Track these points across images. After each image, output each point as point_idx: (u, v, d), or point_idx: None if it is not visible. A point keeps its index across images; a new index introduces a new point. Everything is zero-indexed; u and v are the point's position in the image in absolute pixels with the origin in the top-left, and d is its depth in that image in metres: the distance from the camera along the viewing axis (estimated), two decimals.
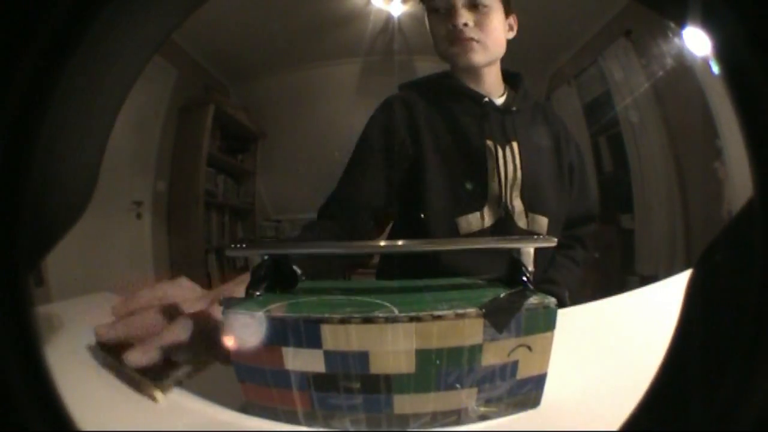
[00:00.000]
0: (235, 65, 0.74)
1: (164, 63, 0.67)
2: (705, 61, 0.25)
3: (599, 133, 0.74)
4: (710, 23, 0.23)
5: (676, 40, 0.58)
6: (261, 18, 0.70)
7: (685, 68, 0.59)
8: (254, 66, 0.73)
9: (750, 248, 0.22)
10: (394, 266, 0.62)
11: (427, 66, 0.72)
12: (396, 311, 0.31)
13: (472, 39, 0.61)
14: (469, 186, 0.62)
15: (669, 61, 0.63)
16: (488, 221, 0.61)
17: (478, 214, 0.61)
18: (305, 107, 0.73)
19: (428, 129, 0.62)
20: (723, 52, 0.23)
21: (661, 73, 0.66)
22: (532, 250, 0.39)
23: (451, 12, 0.61)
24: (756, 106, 0.22)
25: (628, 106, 0.71)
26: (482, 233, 0.61)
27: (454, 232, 0.60)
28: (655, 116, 0.71)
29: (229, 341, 0.33)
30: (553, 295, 0.57)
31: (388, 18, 0.68)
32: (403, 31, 0.69)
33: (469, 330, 0.31)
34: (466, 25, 0.60)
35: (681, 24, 0.26)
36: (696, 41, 0.25)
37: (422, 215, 0.60)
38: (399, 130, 0.62)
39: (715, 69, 0.23)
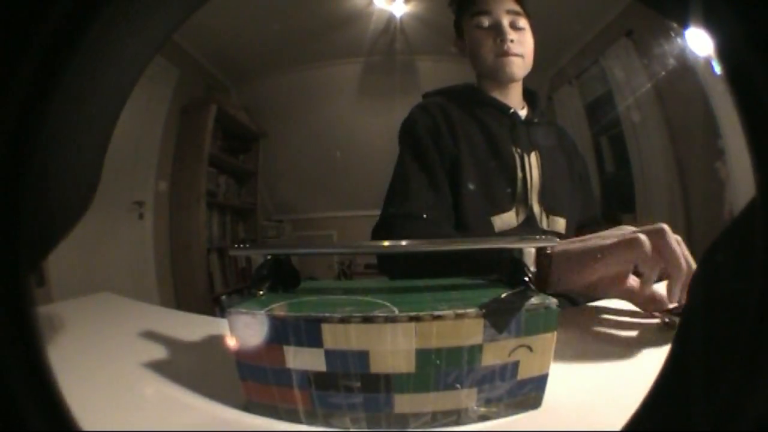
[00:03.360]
0: (236, 65, 0.74)
1: (166, 63, 0.67)
2: (706, 61, 0.25)
3: (601, 133, 0.74)
4: (712, 23, 0.23)
5: (678, 40, 0.58)
6: (263, 18, 0.71)
7: (686, 68, 0.59)
8: (256, 66, 0.73)
9: (752, 248, 0.22)
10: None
11: (428, 66, 0.72)
12: (396, 311, 0.31)
13: (516, 54, 0.67)
14: (500, 188, 0.66)
15: (670, 61, 0.63)
16: (516, 221, 0.66)
17: (507, 214, 0.65)
18: (307, 107, 0.74)
19: (464, 133, 0.67)
20: (725, 52, 0.23)
21: (662, 73, 0.66)
22: (533, 251, 0.39)
23: (498, 29, 0.66)
24: (758, 106, 0.22)
25: (630, 106, 0.72)
26: (511, 232, 0.65)
27: (490, 230, 0.64)
28: (657, 116, 0.71)
29: (231, 340, 0.33)
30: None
31: (390, 18, 0.69)
32: (405, 31, 0.69)
33: (469, 330, 0.31)
34: (512, 41, 0.66)
35: (682, 24, 0.25)
36: (697, 41, 0.24)
37: (463, 213, 0.64)
38: (443, 131, 0.66)
39: (717, 69, 0.23)
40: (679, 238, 0.45)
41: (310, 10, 0.71)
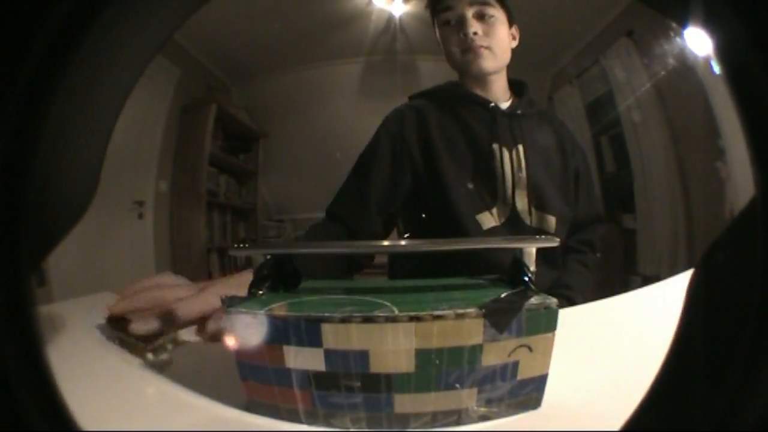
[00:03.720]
0: (237, 65, 0.74)
1: (166, 63, 0.67)
2: (707, 61, 0.25)
3: (601, 132, 0.74)
4: (712, 23, 0.23)
5: (678, 39, 0.58)
6: (263, 18, 0.71)
7: (686, 68, 0.59)
8: (256, 66, 0.73)
9: (752, 248, 0.22)
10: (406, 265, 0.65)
11: (429, 65, 0.72)
12: (396, 311, 0.31)
13: (482, 46, 0.65)
14: (481, 186, 0.65)
15: (671, 61, 0.63)
16: (500, 219, 0.64)
17: (491, 212, 0.64)
18: (307, 107, 0.74)
19: (440, 134, 0.66)
20: (725, 52, 0.23)
21: (662, 72, 0.66)
22: (534, 251, 0.39)
23: (461, 23, 0.65)
24: (758, 105, 0.22)
25: (630, 106, 0.71)
26: (496, 230, 0.64)
27: (478, 228, 0.63)
28: (657, 116, 0.71)
29: (231, 340, 0.33)
30: (568, 299, 0.58)
31: (390, 18, 0.69)
32: (404, 30, 0.69)
33: (469, 330, 0.31)
34: (476, 33, 0.64)
35: (683, 24, 0.26)
36: (698, 41, 0.24)
37: (447, 214, 0.64)
38: (408, 137, 0.65)
39: (717, 69, 0.23)
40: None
41: (310, 10, 0.71)
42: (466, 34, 0.64)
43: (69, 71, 0.23)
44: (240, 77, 0.73)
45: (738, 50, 0.22)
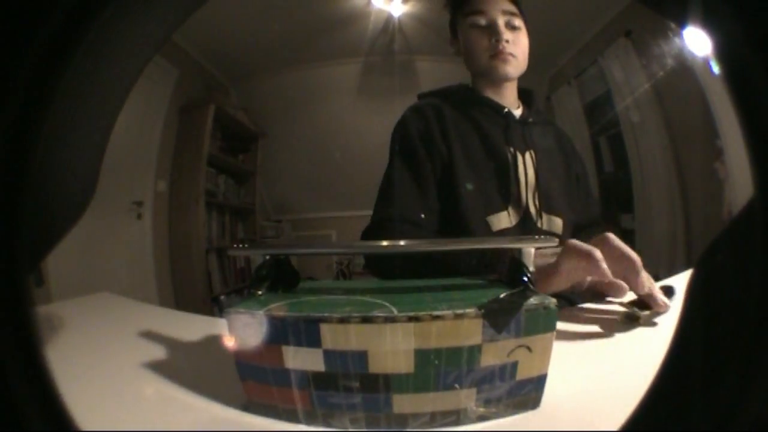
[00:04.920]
0: (235, 65, 0.74)
1: (165, 63, 0.67)
2: (705, 61, 0.25)
3: (600, 133, 0.74)
4: (710, 23, 0.23)
5: (677, 40, 0.58)
6: (262, 18, 0.70)
7: (685, 68, 0.59)
8: (255, 66, 0.73)
9: (751, 248, 0.22)
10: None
11: (427, 66, 0.72)
12: (395, 311, 0.31)
13: (511, 54, 0.68)
14: (494, 189, 0.66)
15: (669, 61, 0.63)
16: (513, 221, 0.66)
17: (503, 214, 0.65)
18: (306, 107, 0.74)
19: (456, 134, 0.67)
20: (723, 52, 0.23)
21: (661, 73, 0.66)
22: (532, 251, 0.39)
23: (494, 30, 0.67)
24: (756, 105, 0.22)
25: (629, 106, 0.72)
26: (509, 231, 0.65)
27: (488, 230, 0.65)
28: (656, 116, 0.71)
29: (230, 340, 0.33)
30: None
31: (389, 18, 0.69)
32: (403, 31, 0.69)
33: (468, 330, 0.31)
34: (507, 41, 0.67)
35: (681, 24, 0.26)
36: (696, 41, 0.25)
37: (458, 213, 0.65)
38: (435, 134, 0.66)
39: (716, 69, 0.23)
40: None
41: (309, 10, 0.71)
42: (498, 40, 0.66)
43: (68, 71, 0.23)
44: (239, 77, 0.73)
45: (736, 50, 0.22)
